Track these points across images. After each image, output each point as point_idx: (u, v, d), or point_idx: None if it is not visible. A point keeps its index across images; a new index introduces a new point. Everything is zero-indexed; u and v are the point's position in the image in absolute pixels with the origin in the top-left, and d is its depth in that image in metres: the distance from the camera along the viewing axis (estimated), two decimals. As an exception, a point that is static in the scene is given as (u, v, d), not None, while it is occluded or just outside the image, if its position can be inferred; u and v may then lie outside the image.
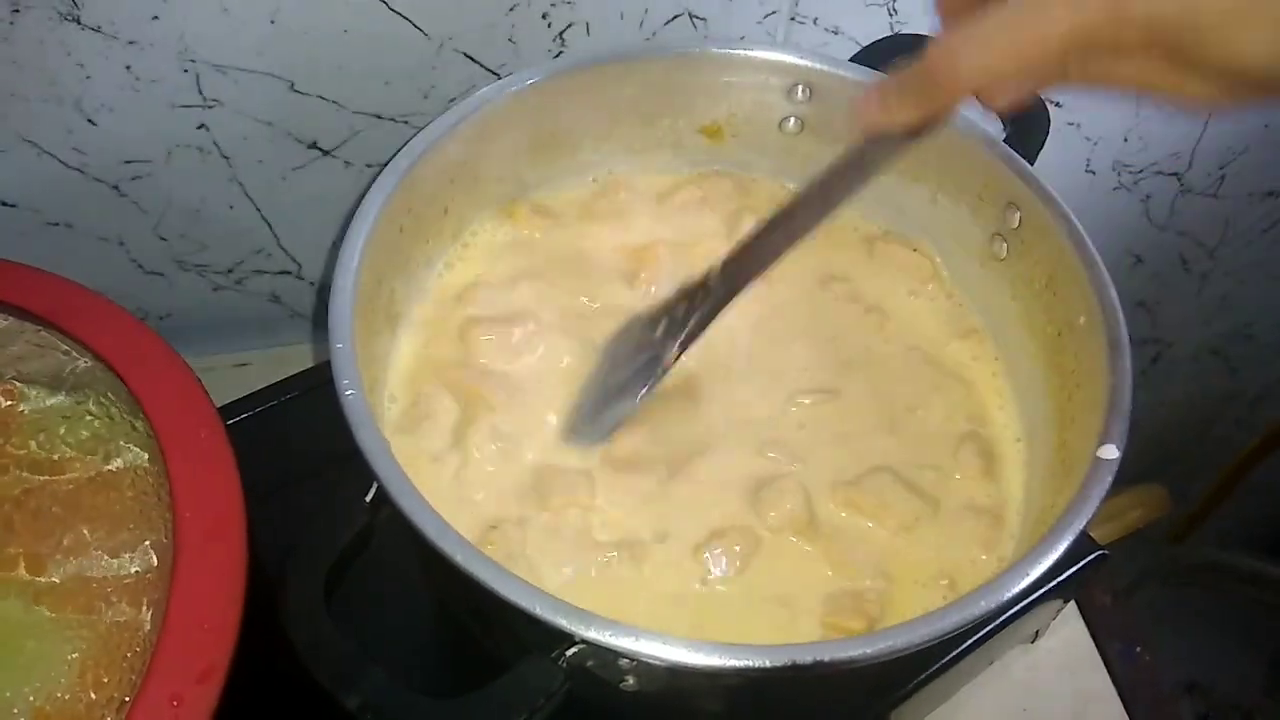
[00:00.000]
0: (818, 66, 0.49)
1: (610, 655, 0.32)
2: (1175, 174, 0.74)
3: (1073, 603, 0.56)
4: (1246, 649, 0.89)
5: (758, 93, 0.51)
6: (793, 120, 0.52)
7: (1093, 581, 0.55)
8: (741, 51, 0.49)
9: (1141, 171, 0.73)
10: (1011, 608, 0.40)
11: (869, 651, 0.32)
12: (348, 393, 0.36)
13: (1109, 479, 0.36)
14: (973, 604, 0.33)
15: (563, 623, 0.32)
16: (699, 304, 0.42)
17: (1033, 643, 0.55)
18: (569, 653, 0.33)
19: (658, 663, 0.32)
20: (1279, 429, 0.96)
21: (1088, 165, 0.71)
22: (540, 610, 0.32)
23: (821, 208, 0.40)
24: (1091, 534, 0.49)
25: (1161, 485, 0.92)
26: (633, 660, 0.32)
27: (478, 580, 0.32)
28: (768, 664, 0.32)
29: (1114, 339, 0.40)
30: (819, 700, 0.45)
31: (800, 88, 0.50)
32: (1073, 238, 0.43)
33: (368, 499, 0.36)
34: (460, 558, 0.33)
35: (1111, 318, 0.40)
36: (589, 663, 0.33)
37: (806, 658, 0.32)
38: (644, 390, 0.42)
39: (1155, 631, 0.58)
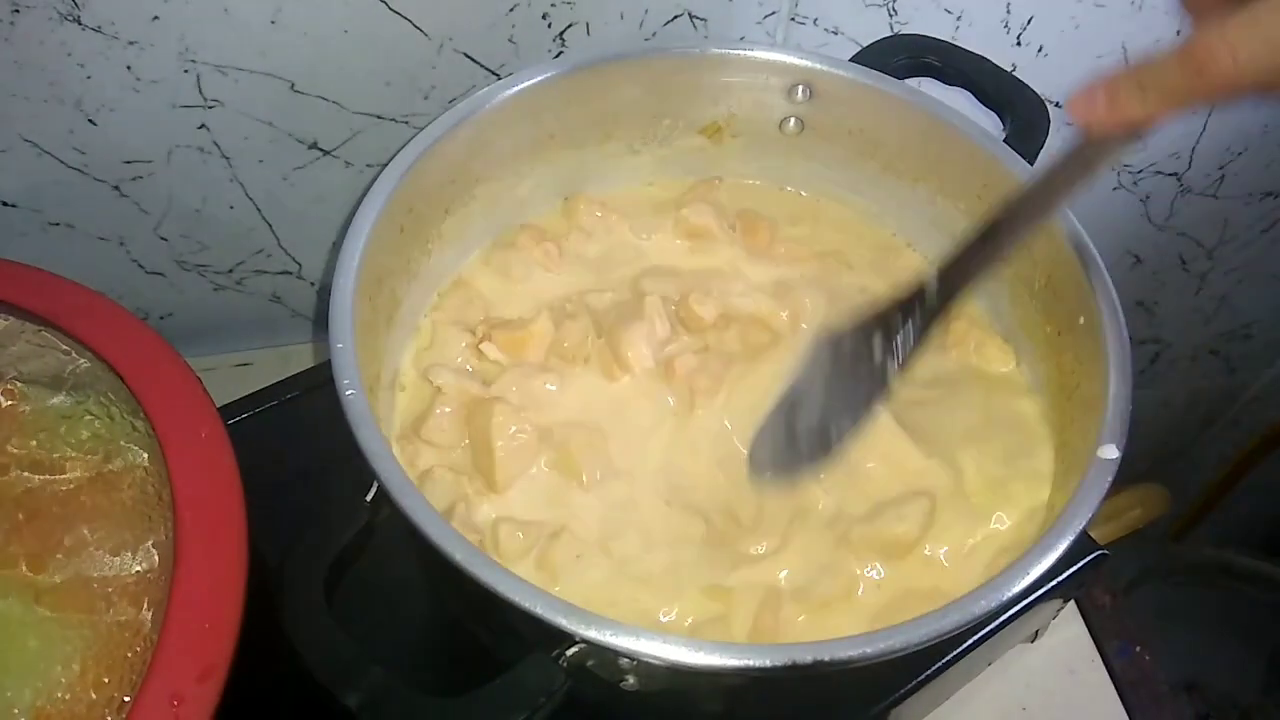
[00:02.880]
0: (818, 66, 0.49)
1: (610, 655, 0.32)
2: (1174, 174, 0.74)
3: (1072, 602, 0.56)
4: (1246, 648, 0.89)
5: (758, 93, 0.51)
6: (793, 120, 0.52)
7: (1092, 581, 0.55)
8: (741, 52, 0.49)
9: (1141, 171, 0.73)
10: (1011, 607, 0.40)
11: (869, 651, 0.32)
12: (348, 392, 0.36)
13: (1109, 479, 0.36)
14: (973, 603, 0.33)
15: (563, 622, 0.32)
16: (917, 315, 0.39)
17: (1033, 642, 0.55)
18: (569, 652, 0.33)
19: (658, 662, 0.32)
20: (1278, 428, 0.96)
21: (1087, 165, 0.71)
22: (540, 610, 0.32)
23: (1039, 214, 0.38)
24: (1091, 533, 0.49)
25: (1161, 484, 0.92)
26: (633, 660, 0.32)
27: (478, 580, 0.32)
28: (767, 663, 0.32)
29: (1114, 339, 0.40)
30: (819, 700, 0.45)
31: (800, 88, 0.50)
32: (1072, 238, 0.43)
33: (368, 498, 0.36)
34: (460, 557, 0.33)
35: (1111, 318, 0.40)
36: (589, 662, 0.33)
37: (806, 657, 0.32)
38: (870, 407, 0.39)
39: (1155, 630, 0.58)
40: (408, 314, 0.47)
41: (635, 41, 0.56)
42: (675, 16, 0.56)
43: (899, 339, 0.39)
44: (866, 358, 0.39)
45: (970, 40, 0.60)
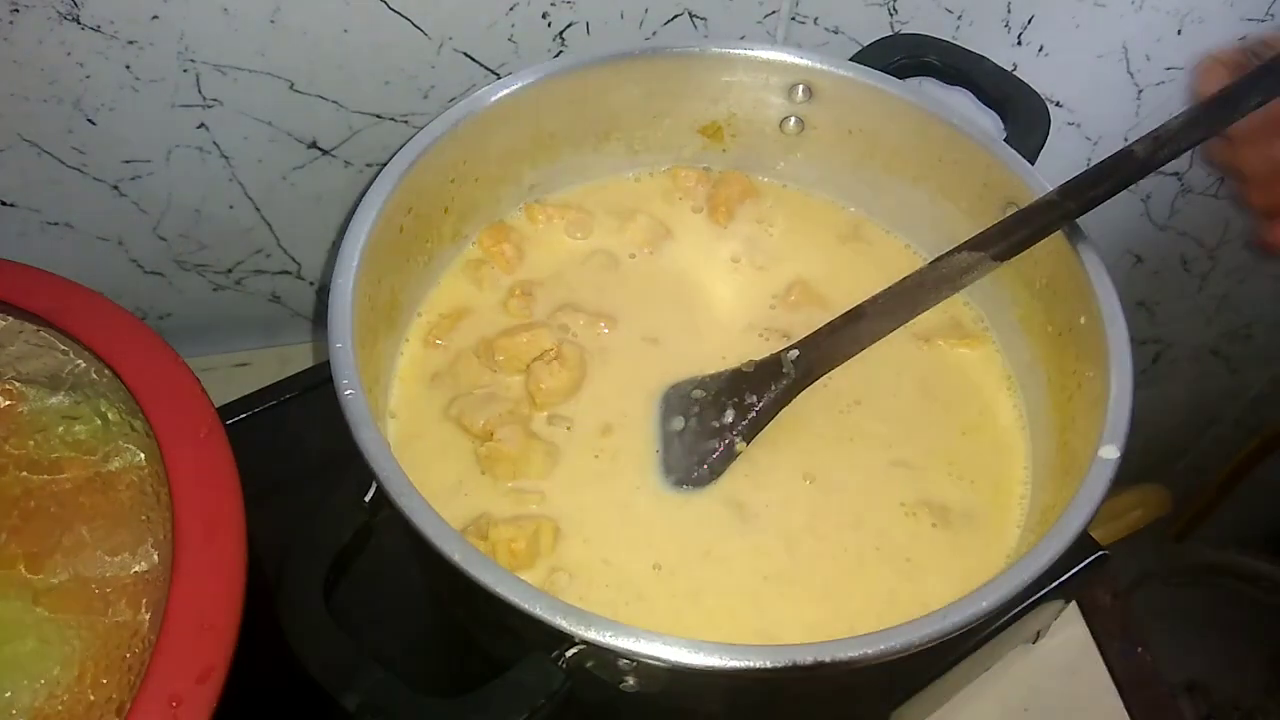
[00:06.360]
0: (817, 66, 0.49)
1: (610, 655, 0.32)
2: (1175, 174, 0.74)
3: (1074, 603, 0.56)
4: (1247, 648, 0.89)
5: (758, 92, 0.51)
6: (793, 120, 0.52)
7: (1094, 581, 0.55)
8: (741, 51, 0.49)
9: (1142, 171, 0.73)
10: (1013, 607, 0.40)
11: (869, 652, 0.32)
12: (347, 392, 0.36)
13: (1109, 479, 0.36)
14: (974, 604, 0.33)
15: (562, 623, 0.32)
16: (769, 391, 0.43)
17: (1034, 643, 0.55)
18: (569, 653, 0.33)
19: (657, 663, 0.32)
20: (1279, 429, 0.96)
21: (1088, 165, 0.71)
22: (540, 610, 0.32)
23: (905, 314, 0.42)
24: (1092, 534, 0.49)
25: (1162, 485, 0.92)
26: (632, 660, 0.32)
27: (477, 580, 0.32)
28: (768, 664, 0.32)
29: (1115, 338, 0.40)
30: (820, 701, 0.45)
31: (800, 87, 0.50)
32: (1073, 237, 0.43)
33: (367, 499, 0.36)
34: (459, 557, 0.33)
35: (1112, 318, 0.40)
36: (589, 663, 0.33)
37: (807, 658, 0.32)
38: (711, 475, 0.43)
39: (1156, 631, 0.58)
40: (407, 314, 0.47)
41: (635, 41, 0.56)
42: (675, 16, 0.56)
43: (751, 407, 0.43)
44: (715, 430, 0.43)
45: (971, 39, 0.60)
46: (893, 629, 0.33)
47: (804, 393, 0.45)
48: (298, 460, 0.49)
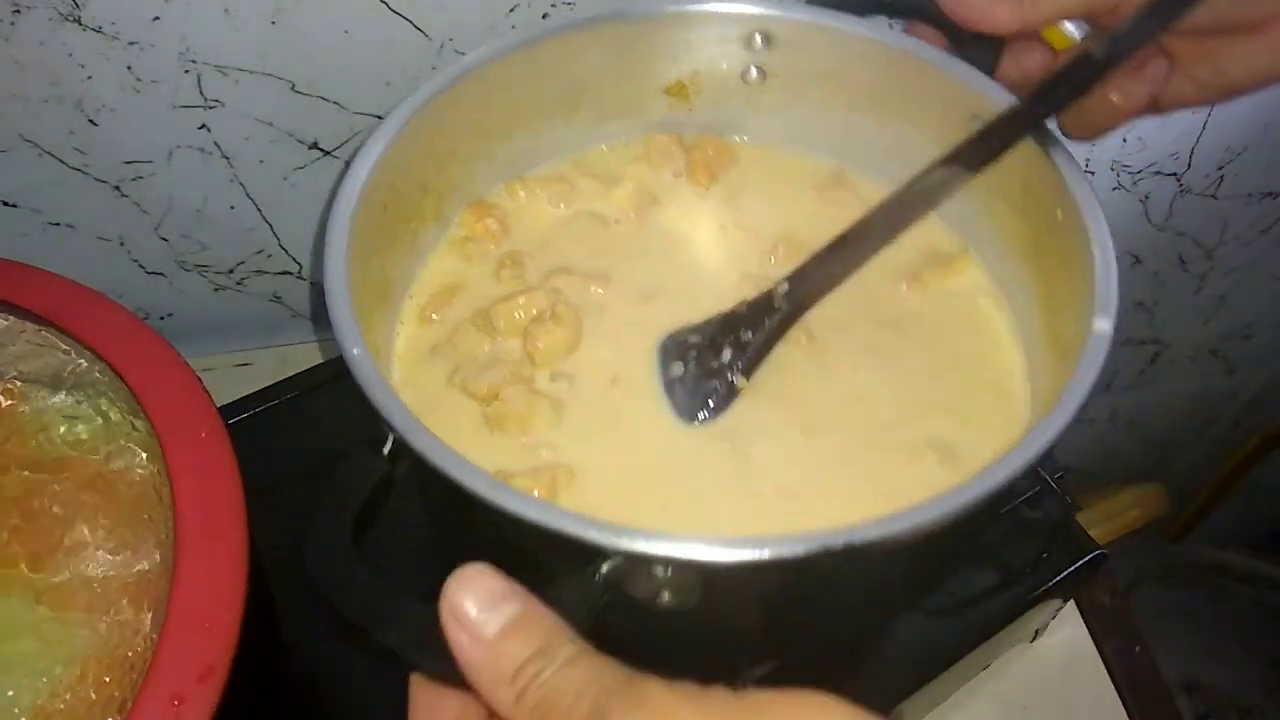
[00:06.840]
0: (769, 12, 0.49)
1: (645, 565, 0.31)
2: (1174, 174, 0.74)
3: (1072, 602, 0.56)
4: (1245, 648, 0.89)
5: (716, 46, 0.50)
6: (754, 70, 0.51)
7: (1092, 581, 0.55)
8: (695, 7, 0.49)
9: (1140, 172, 0.73)
10: (1023, 486, 0.38)
11: (895, 530, 0.31)
12: (354, 351, 0.36)
13: (1105, 353, 0.36)
14: (990, 476, 0.33)
15: (596, 536, 0.31)
16: (764, 326, 0.44)
17: (1032, 642, 0.55)
18: (603, 569, 0.32)
19: (692, 564, 0.31)
20: (1277, 429, 0.96)
21: (1086, 165, 0.72)
22: (572, 528, 0.31)
23: (887, 235, 0.43)
24: (1090, 533, 0.49)
25: (1160, 484, 0.92)
26: (667, 567, 0.31)
27: (505, 509, 0.32)
28: (801, 551, 0.31)
29: (1093, 222, 0.40)
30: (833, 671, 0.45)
31: (757, 35, 0.49)
32: (1042, 140, 0.42)
33: (385, 450, 0.35)
34: (484, 488, 0.32)
35: (1088, 203, 0.40)
36: (623, 579, 0.32)
37: (838, 542, 0.31)
38: (714, 413, 0.43)
39: (1154, 631, 0.58)
40: (399, 294, 0.47)
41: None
42: (675, 17, 0.56)
43: (747, 344, 0.43)
44: (713, 370, 0.44)
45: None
46: (913, 508, 0.32)
47: (802, 353, 0.45)
48: (299, 460, 0.49)
